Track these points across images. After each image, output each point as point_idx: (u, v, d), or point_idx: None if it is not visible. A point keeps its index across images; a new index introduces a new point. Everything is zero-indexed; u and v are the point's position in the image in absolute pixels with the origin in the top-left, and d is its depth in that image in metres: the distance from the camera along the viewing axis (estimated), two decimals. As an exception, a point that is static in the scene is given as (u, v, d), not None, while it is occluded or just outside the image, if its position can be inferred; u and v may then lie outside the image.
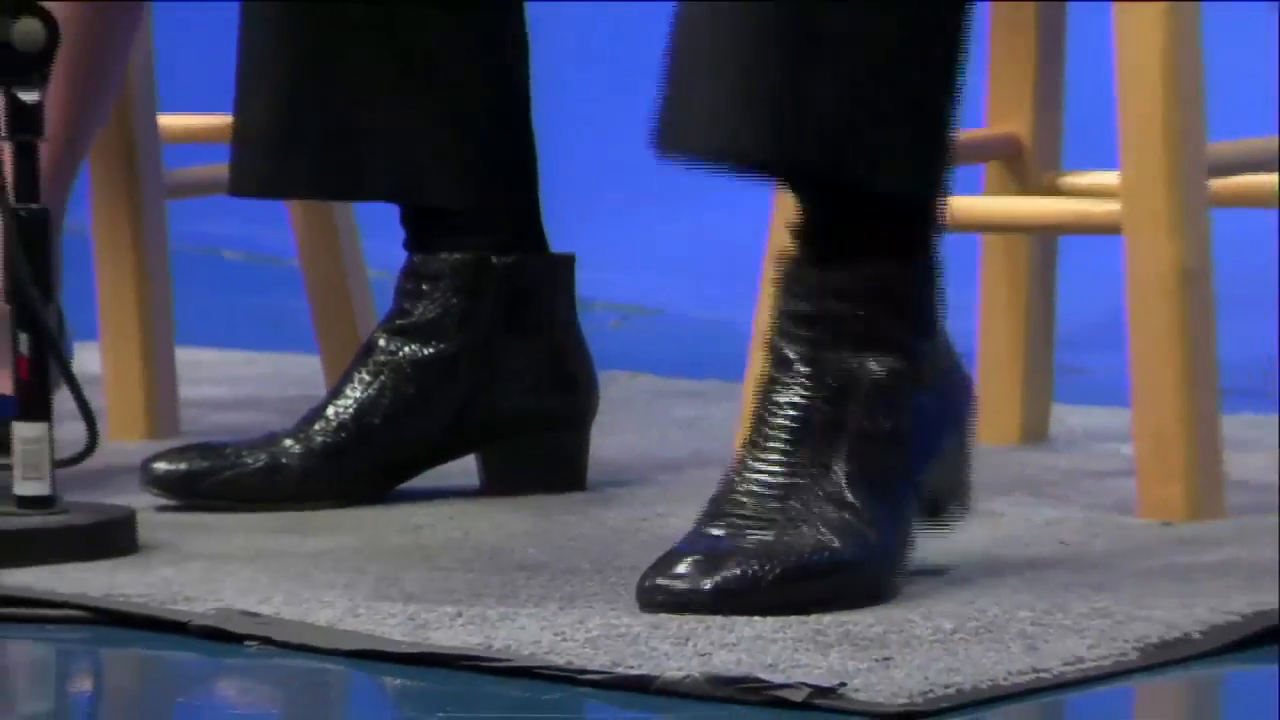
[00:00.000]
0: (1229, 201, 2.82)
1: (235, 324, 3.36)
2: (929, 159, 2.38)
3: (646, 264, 4.25)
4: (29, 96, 2.51)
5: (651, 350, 3.57)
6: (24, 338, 2.52)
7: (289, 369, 3.60)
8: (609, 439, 2.95)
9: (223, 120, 3.12)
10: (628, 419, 3.02)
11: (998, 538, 2.56)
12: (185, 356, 3.37)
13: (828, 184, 2.37)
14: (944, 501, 2.44)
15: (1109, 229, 2.70)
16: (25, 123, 2.51)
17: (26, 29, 2.49)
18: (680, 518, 2.63)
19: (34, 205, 2.52)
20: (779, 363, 2.37)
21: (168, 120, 3.28)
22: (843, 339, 2.36)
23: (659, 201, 4.40)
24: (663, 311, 4.04)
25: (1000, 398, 2.67)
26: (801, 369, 2.35)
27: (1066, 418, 3.16)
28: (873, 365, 2.33)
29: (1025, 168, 2.91)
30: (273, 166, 2.78)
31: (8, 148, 2.51)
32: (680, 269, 3.82)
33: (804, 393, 2.35)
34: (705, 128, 2.36)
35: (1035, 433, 3.05)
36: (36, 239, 2.53)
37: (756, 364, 2.61)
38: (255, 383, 3.55)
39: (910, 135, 2.37)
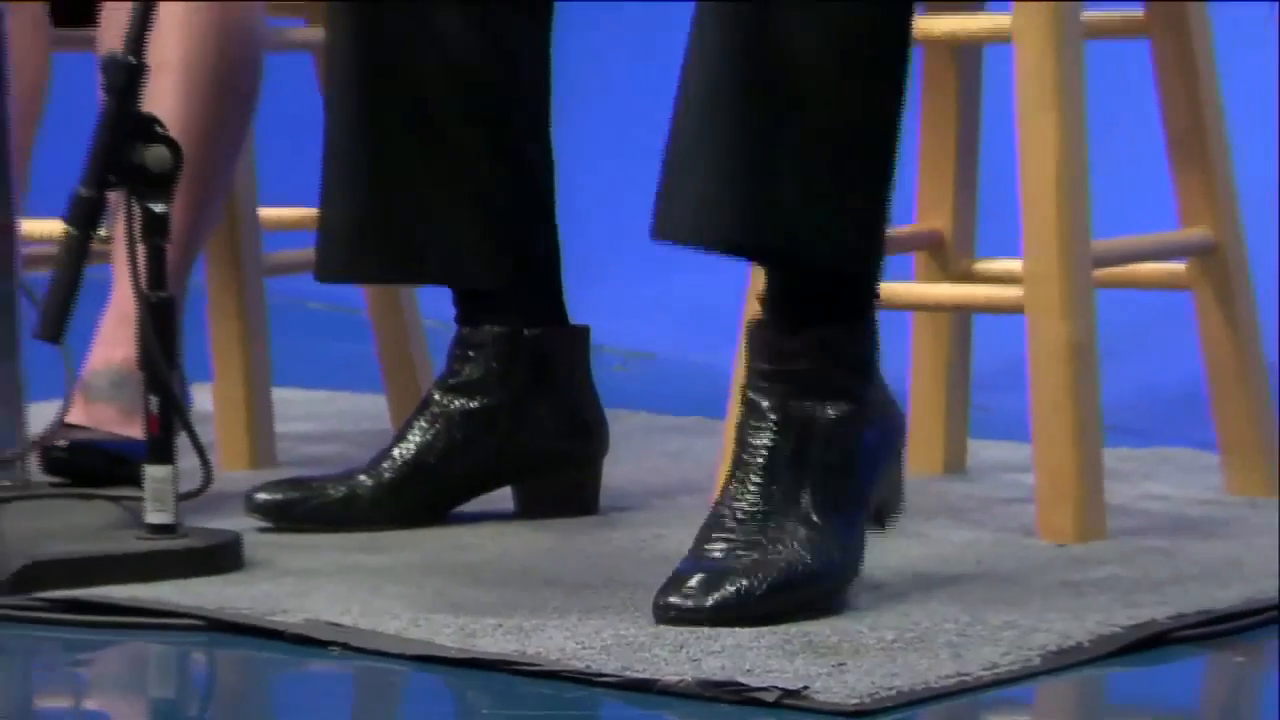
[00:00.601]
0: (1112, 284, 2.78)
1: (318, 367, 3.26)
2: (869, 242, 2.41)
3: (644, 315, 4.22)
4: (158, 208, 2.50)
5: (646, 389, 3.53)
6: (153, 399, 2.50)
7: (361, 406, 3.57)
8: (612, 469, 2.91)
9: (307, 213, 3.11)
10: (627, 451, 2.97)
11: (926, 556, 2.54)
12: (278, 395, 3.31)
13: (788, 264, 2.38)
14: (885, 510, 2.46)
15: (1014, 310, 2.68)
16: (156, 229, 2.50)
17: (157, 155, 2.48)
18: (673, 539, 2.64)
19: (162, 294, 2.50)
20: (753, 410, 2.38)
21: (266, 212, 3.25)
22: (803, 390, 2.38)
23: (655, 263, 4.37)
24: (655, 356, 4.02)
25: (926, 435, 2.68)
26: (772, 416, 2.37)
27: (979, 451, 3.12)
28: (828, 410, 2.35)
29: (946, 256, 2.90)
30: (350, 259, 2.77)
31: (142, 249, 2.49)
32: (672, 320, 3.73)
33: (774, 435, 2.37)
34: (690, 220, 2.39)
35: (955, 464, 3.03)
36: (164, 320, 2.52)
37: (736, 406, 2.60)
38: (335, 419, 3.53)
39: (854, 223, 2.39)
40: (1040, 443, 2.67)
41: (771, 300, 2.40)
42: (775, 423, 2.37)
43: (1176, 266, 2.87)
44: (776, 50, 2.34)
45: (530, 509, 2.82)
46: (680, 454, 3.17)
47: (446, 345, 2.87)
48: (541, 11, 2.74)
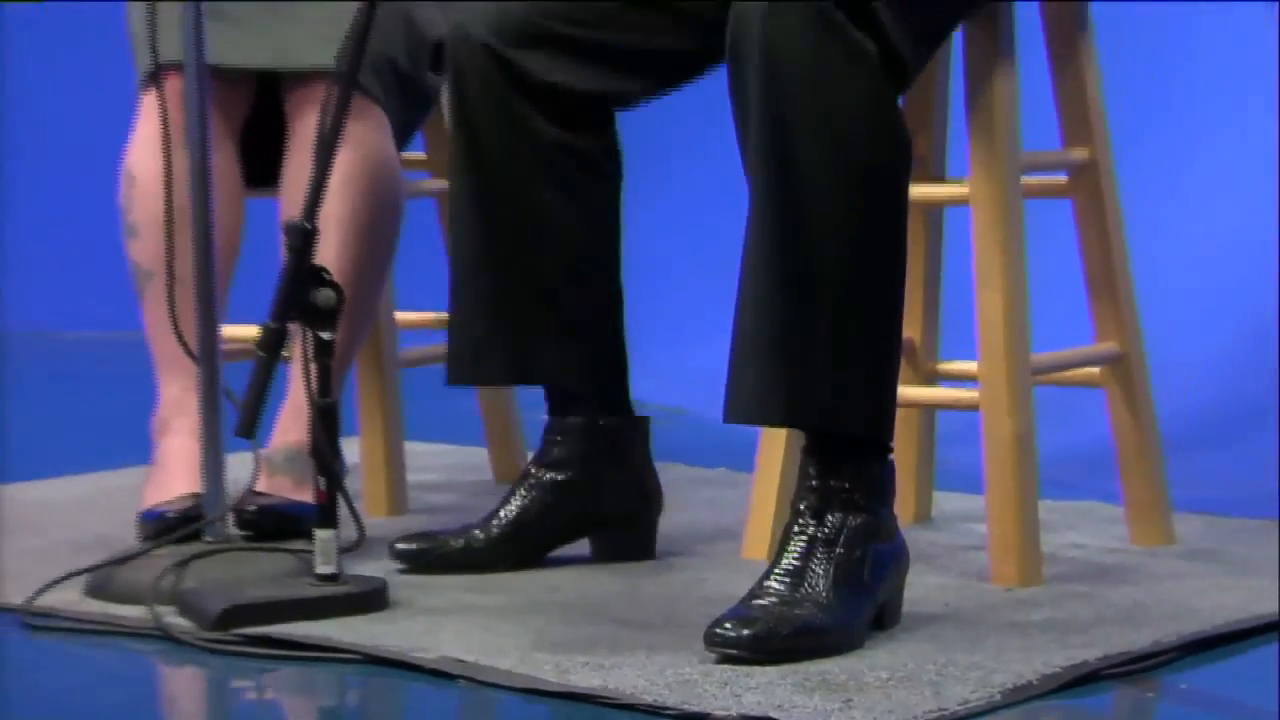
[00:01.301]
0: (1046, 384, 2.77)
1: (435, 424, 3.22)
2: (885, 409, 2.41)
3: (680, 377, 4.12)
4: (326, 335, 2.49)
5: (681, 442, 3.49)
6: (321, 480, 2.50)
7: (469, 460, 3.51)
8: (661, 518, 2.88)
9: (431, 316, 3.10)
10: (670, 501, 2.88)
11: (909, 599, 2.48)
12: (407, 448, 3.26)
13: (826, 433, 2.38)
14: (886, 612, 2.43)
15: (972, 408, 2.67)
16: (324, 351, 2.50)
17: (326, 296, 2.47)
18: (712, 582, 2.68)
19: (328, 400, 2.51)
20: (797, 514, 2.39)
21: (402, 315, 3.24)
22: (835, 505, 2.36)
23: (685, 334, 4.28)
24: (685, 412, 3.97)
25: (900, 489, 2.60)
26: (812, 519, 2.37)
27: (942, 502, 3.08)
28: (851, 520, 2.34)
29: (917, 359, 2.89)
30: (473, 369, 2.78)
31: (314, 368, 2.48)
32: (700, 381, 3.66)
33: (810, 534, 2.36)
34: (752, 405, 2.41)
35: (923, 514, 3.02)
36: (329, 419, 2.52)
37: (763, 458, 2.79)
38: (448, 470, 3.49)
39: (874, 398, 2.40)
40: (991, 507, 2.65)
41: (813, 444, 2.40)
42: (813, 524, 2.37)
43: (1094, 370, 2.85)
44: (805, 260, 2.34)
45: (603, 556, 2.79)
46: (713, 503, 3.13)
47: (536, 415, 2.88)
48: (614, 179, 2.74)
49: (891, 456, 2.44)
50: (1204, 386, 3.50)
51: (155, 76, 2.77)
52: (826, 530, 2.36)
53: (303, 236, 2.49)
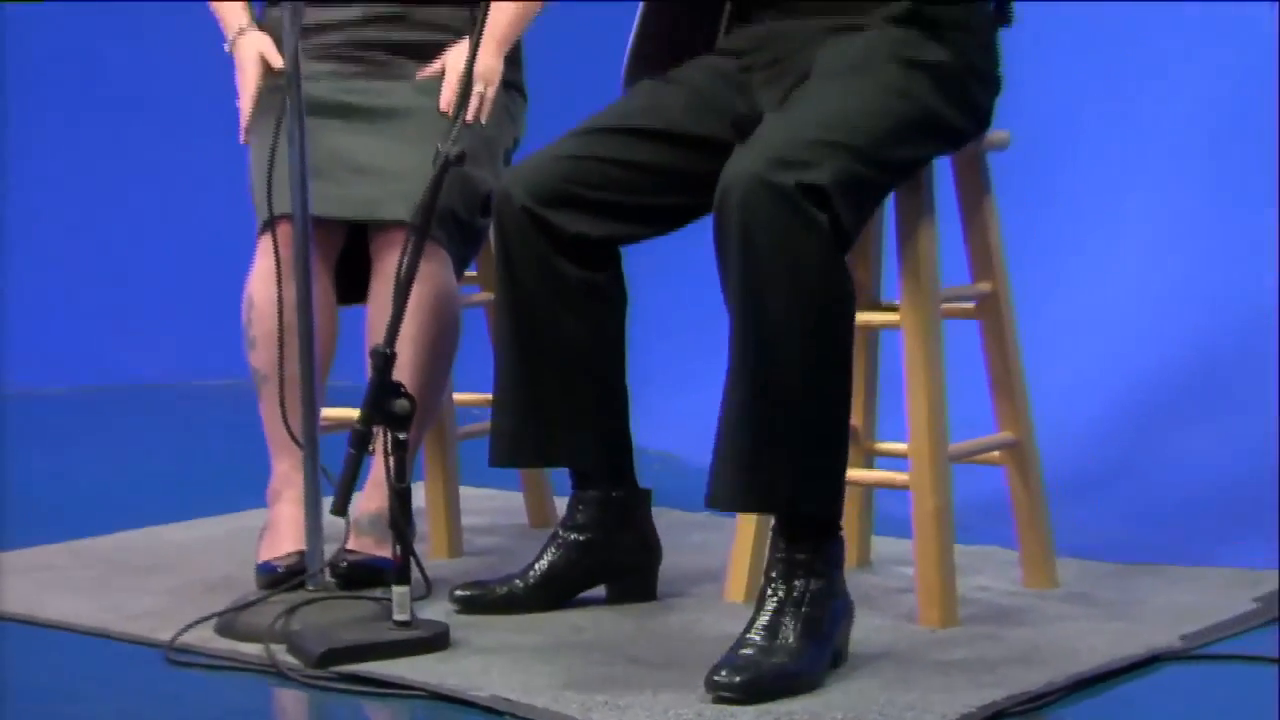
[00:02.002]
0: (960, 464, 2.71)
1: (483, 471, 3.13)
2: (837, 496, 2.39)
3: (673, 423, 3.97)
4: (401, 435, 2.45)
5: (673, 485, 3.36)
6: (396, 546, 2.45)
7: (508, 503, 3.42)
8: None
9: (485, 397, 3.01)
10: (666, 544, 2.80)
11: (855, 639, 2.44)
12: (461, 492, 3.17)
13: (791, 516, 2.35)
14: (838, 653, 2.39)
15: (904, 487, 2.62)
16: (400, 448, 2.46)
17: (402, 405, 2.43)
18: (705, 623, 2.65)
19: (402, 484, 2.46)
20: (770, 580, 2.36)
21: (459, 396, 3.17)
22: (799, 573, 2.34)
23: (680, 385, 4.12)
24: (677, 456, 3.89)
25: (847, 538, 2.55)
26: (781, 585, 2.34)
27: (879, 546, 3.00)
28: (813, 585, 2.31)
29: (860, 442, 2.83)
30: (511, 454, 2.72)
31: (392, 460, 2.43)
32: (691, 427, 3.48)
33: (781, 596, 2.33)
34: (730, 494, 2.37)
35: (864, 558, 2.96)
36: (404, 500, 2.47)
37: (741, 521, 2.75)
38: (493, 513, 3.40)
39: (827, 485, 2.37)
40: (919, 563, 2.60)
41: (782, 524, 2.37)
42: (783, 589, 2.34)
43: (996, 454, 2.80)
44: (772, 379, 2.31)
45: (615, 598, 2.74)
46: (701, 547, 3.03)
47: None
48: (621, 305, 2.68)
49: (842, 531, 2.40)
50: (1082, 449, 3.44)
51: (270, 223, 2.72)
52: (794, 593, 2.33)
53: (384, 359, 2.45)
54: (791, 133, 2.35)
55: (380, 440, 2.47)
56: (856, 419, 2.81)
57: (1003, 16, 2.62)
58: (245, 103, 2.90)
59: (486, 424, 2.96)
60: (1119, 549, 3.00)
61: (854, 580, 2.55)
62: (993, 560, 2.94)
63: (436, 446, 3.08)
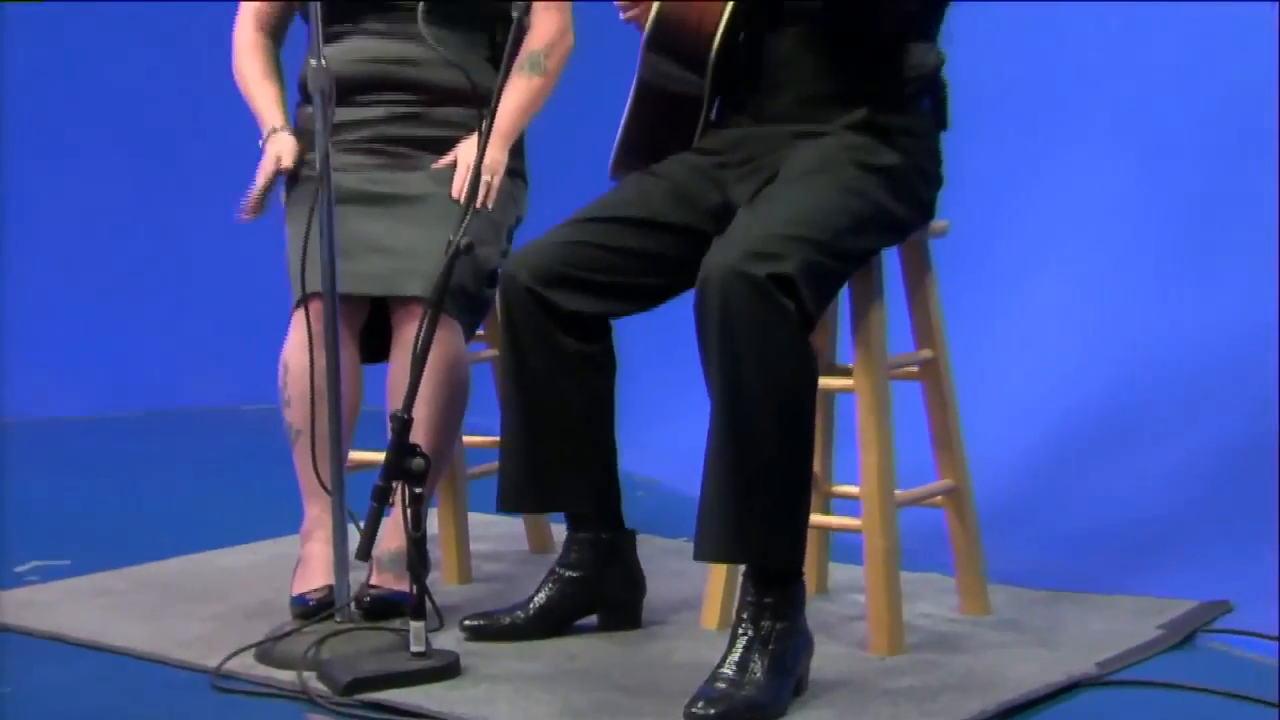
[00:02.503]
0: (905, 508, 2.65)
1: (488, 502, 3.06)
2: (800, 547, 2.34)
3: (656, 451, 3.91)
4: (418, 490, 2.39)
5: (654, 510, 3.33)
6: (414, 587, 2.38)
7: (511, 529, 3.34)
8: None
9: (491, 439, 2.96)
10: (648, 571, 2.73)
11: (815, 668, 2.38)
12: (470, 518, 3.08)
13: (761, 567, 2.30)
14: (800, 684, 2.34)
15: (857, 530, 2.56)
16: (416, 501, 2.40)
17: (418, 464, 2.38)
18: (682, 651, 2.59)
19: (418, 534, 2.39)
20: (740, 620, 2.30)
21: (469, 439, 3.08)
22: (766, 615, 2.29)
23: (663, 415, 4.06)
24: (658, 481, 3.83)
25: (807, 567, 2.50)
26: (750, 626, 2.29)
27: (835, 572, 2.94)
28: (779, 625, 2.26)
29: (819, 488, 2.77)
30: (515, 500, 2.65)
31: (410, 512, 2.37)
32: (673, 455, 3.47)
33: (750, 635, 2.28)
34: (713, 548, 2.33)
35: (822, 585, 2.91)
36: (420, 547, 2.42)
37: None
38: (497, 539, 3.32)
39: (793, 543, 2.33)
40: (870, 596, 2.56)
41: (751, 572, 2.32)
42: (752, 629, 2.29)
43: (936, 498, 2.74)
44: (747, 447, 2.26)
45: (605, 626, 2.67)
46: (680, 574, 2.94)
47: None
48: (611, 370, 2.63)
49: (804, 577, 2.34)
50: (1011, 482, 3.39)
51: (303, 300, 2.66)
52: (762, 633, 2.28)
53: (403, 424, 2.39)
54: (763, 228, 2.30)
55: (399, 494, 2.41)
56: (817, 466, 2.76)
57: (942, 122, 2.57)
58: (254, 189, 2.83)
59: (493, 465, 2.92)
60: (1043, 575, 2.96)
61: (814, 607, 2.50)
62: (933, 587, 2.89)
63: (449, 485, 3.02)
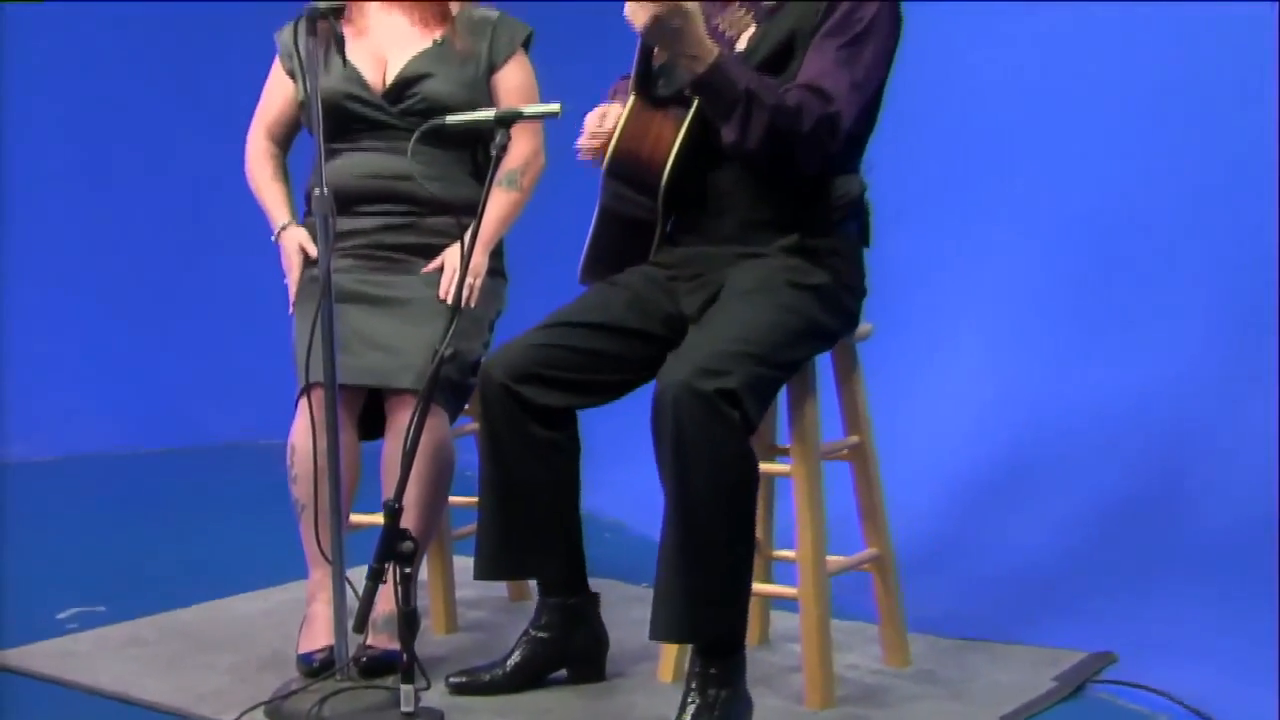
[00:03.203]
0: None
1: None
2: (743, 626, 2.30)
3: (622, 494, 3.80)
4: (407, 569, 2.33)
5: (619, 553, 3.25)
6: (405, 654, 2.33)
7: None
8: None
9: (474, 499, 2.86)
10: (610, 619, 2.66)
11: None
12: (455, 562, 2.99)
13: (710, 644, 2.25)
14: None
15: (794, 599, 2.52)
16: (406, 580, 2.33)
17: (408, 546, 2.32)
18: (640, 706, 2.49)
19: (409, 607, 2.34)
20: (689, 689, 2.28)
21: (454, 499, 2.96)
22: (712, 684, 2.26)
23: (628, 460, 3.90)
24: (624, 524, 3.77)
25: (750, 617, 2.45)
26: (698, 694, 2.27)
27: (777, 621, 2.88)
28: (724, 693, 2.26)
29: (762, 553, 2.74)
30: (490, 569, 2.59)
31: (400, 588, 2.31)
32: (638, 498, 3.39)
33: (698, 703, 2.26)
34: (665, 628, 2.29)
35: (763, 636, 2.86)
36: (410, 621, 2.35)
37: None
38: (479, 588, 3.12)
39: (737, 623, 2.28)
40: (805, 656, 2.51)
41: (699, 647, 2.28)
42: (699, 697, 2.25)
43: (865, 565, 2.70)
44: (697, 539, 2.21)
45: (573, 680, 2.62)
46: (640, 622, 2.72)
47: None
48: (576, 454, 2.56)
49: (745, 650, 2.30)
50: (931, 531, 3.35)
51: (307, 389, 2.60)
52: (709, 699, 2.25)
53: (393, 513, 2.33)
54: (711, 346, 2.26)
55: (391, 572, 2.36)
56: (760, 534, 2.71)
57: (866, 240, 2.54)
58: (292, 284, 2.79)
59: (474, 525, 2.85)
60: (956, 622, 2.91)
61: (756, 658, 2.46)
62: (860, 636, 2.83)
63: (436, 545, 2.96)
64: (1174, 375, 3.30)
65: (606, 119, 2.50)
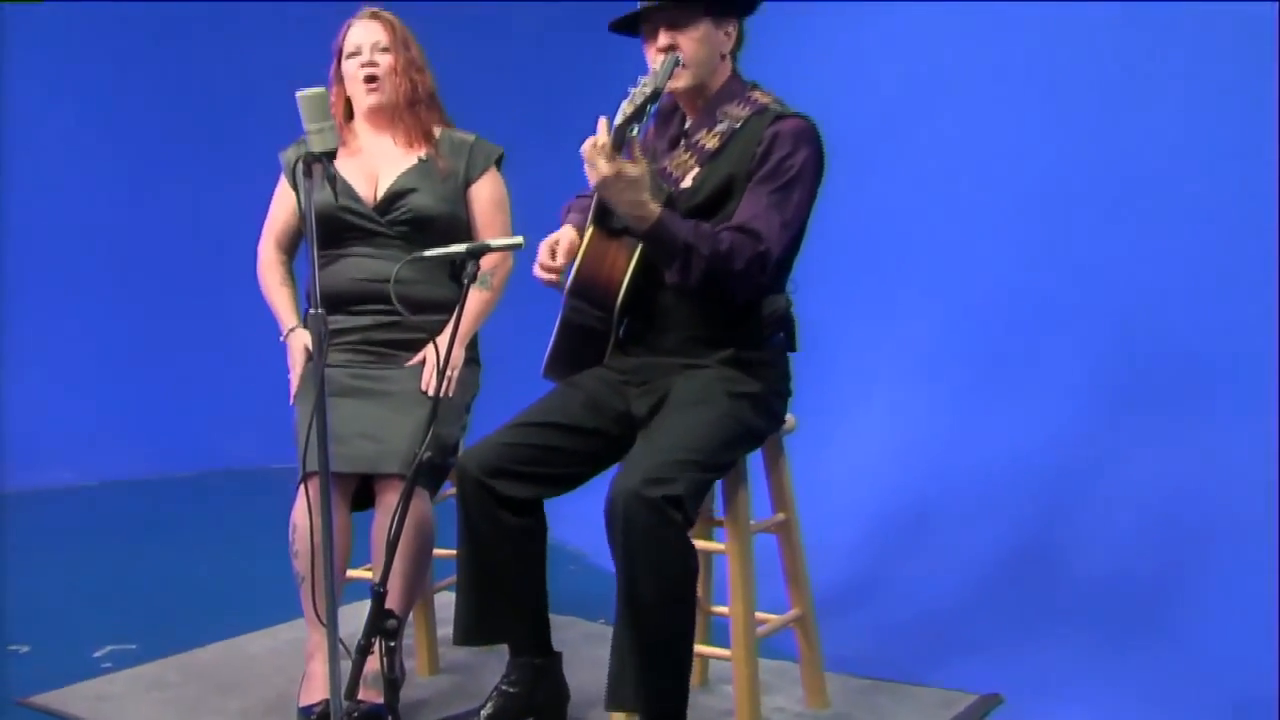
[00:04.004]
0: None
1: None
2: (684, 697, 2.20)
3: (583, 524, 3.68)
4: (391, 644, 2.23)
5: (583, 585, 3.16)
6: (390, 716, 2.25)
7: None
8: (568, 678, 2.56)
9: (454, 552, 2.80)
10: (571, 659, 2.57)
11: None
12: (435, 599, 2.90)
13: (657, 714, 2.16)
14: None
15: (728, 659, 2.45)
16: (390, 653, 2.23)
17: (393, 624, 2.22)
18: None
19: (391, 675, 2.24)
20: None
21: (438, 551, 2.86)
22: None
23: (590, 491, 3.84)
24: (586, 554, 3.69)
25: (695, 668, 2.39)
26: None
27: (713, 666, 2.79)
28: None
29: (702, 609, 2.65)
30: (466, 635, 2.47)
31: (385, 659, 2.22)
32: (599, 528, 3.25)
33: None
34: (618, 699, 2.20)
35: (704, 679, 2.79)
36: (394, 688, 2.27)
37: None
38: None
39: (679, 697, 2.19)
40: (738, 699, 2.44)
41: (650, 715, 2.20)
42: None
43: (790, 623, 2.63)
44: (645, 625, 2.14)
45: (541, 728, 2.55)
46: (597, 662, 2.66)
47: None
48: (543, 536, 2.45)
49: (687, 713, 2.23)
50: (847, 574, 3.30)
51: (305, 478, 2.51)
52: None
53: (379, 596, 2.24)
54: (657, 456, 2.19)
55: (378, 645, 2.27)
56: (700, 591, 2.66)
57: (792, 347, 2.47)
58: (294, 380, 2.70)
59: (454, 576, 2.76)
60: (868, 664, 2.85)
61: (697, 701, 2.39)
62: (785, 678, 2.78)
63: (421, 603, 2.87)
64: (1053, 439, 3.25)
65: (557, 253, 2.43)
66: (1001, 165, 3.54)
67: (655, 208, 2.20)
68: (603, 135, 2.12)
